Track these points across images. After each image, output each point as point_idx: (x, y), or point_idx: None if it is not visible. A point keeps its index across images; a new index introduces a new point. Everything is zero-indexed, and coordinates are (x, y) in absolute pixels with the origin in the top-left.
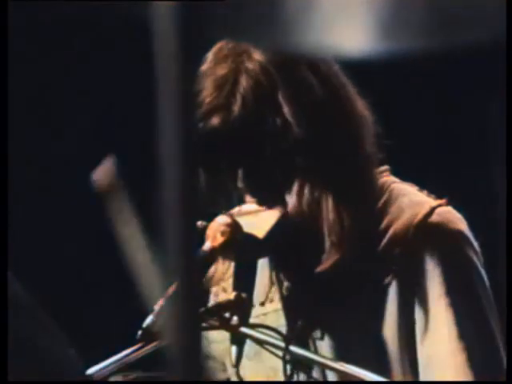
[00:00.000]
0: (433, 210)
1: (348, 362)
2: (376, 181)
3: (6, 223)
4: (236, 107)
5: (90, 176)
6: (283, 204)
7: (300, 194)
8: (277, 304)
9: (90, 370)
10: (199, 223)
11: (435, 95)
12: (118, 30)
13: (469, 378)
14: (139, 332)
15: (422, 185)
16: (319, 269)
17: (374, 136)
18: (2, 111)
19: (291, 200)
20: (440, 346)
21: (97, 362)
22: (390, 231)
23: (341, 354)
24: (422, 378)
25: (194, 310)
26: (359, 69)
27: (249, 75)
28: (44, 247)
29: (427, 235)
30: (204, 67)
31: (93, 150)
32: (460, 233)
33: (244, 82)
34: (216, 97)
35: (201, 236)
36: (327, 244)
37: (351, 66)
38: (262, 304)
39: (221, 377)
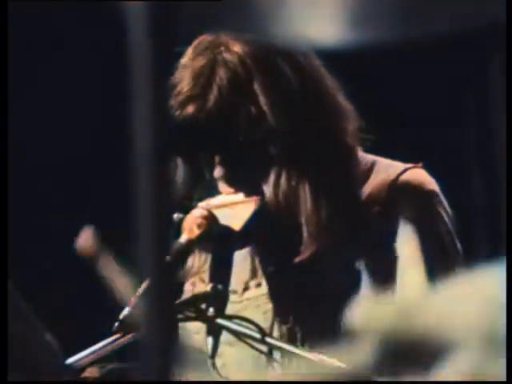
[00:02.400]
0: (406, 169)
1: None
2: (356, 167)
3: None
4: (212, 96)
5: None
6: (260, 194)
7: (277, 185)
8: (263, 289)
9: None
10: (175, 216)
11: (409, 84)
12: (91, 29)
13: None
14: (116, 324)
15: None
16: (297, 260)
17: (356, 126)
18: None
19: (268, 190)
20: (409, 291)
21: (73, 354)
22: (366, 195)
23: (324, 339)
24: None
25: (168, 303)
26: (333, 59)
27: (226, 66)
28: (22, 238)
29: (401, 192)
30: (183, 60)
31: (66, 145)
32: (432, 191)
33: (221, 72)
34: (192, 86)
35: (177, 228)
36: (305, 235)
37: (324, 56)
38: (245, 290)
39: (202, 368)
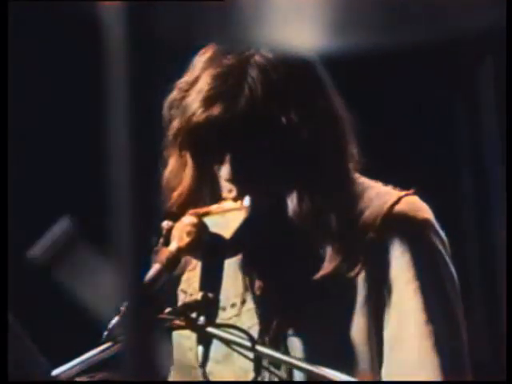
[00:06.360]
0: (400, 198)
1: (317, 359)
2: (353, 179)
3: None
4: (242, 97)
5: None
6: (265, 202)
7: (300, 200)
8: (250, 304)
9: (56, 371)
10: (165, 223)
11: (389, 92)
12: (66, 30)
13: (434, 363)
14: (105, 333)
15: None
16: (319, 275)
17: (354, 148)
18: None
19: (292, 204)
20: (407, 329)
21: (61, 363)
22: (360, 221)
23: (310, 352)
24: (386, 360)
25: (146, 313)
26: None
27: (259, 68)
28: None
29: (394, 223)
30: (199, 59)
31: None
32: (426, 221)
33: (253, 73)
34: (219, 85)
35: (167, 236)
36: (328, 250)
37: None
38: (233, 306)
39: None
